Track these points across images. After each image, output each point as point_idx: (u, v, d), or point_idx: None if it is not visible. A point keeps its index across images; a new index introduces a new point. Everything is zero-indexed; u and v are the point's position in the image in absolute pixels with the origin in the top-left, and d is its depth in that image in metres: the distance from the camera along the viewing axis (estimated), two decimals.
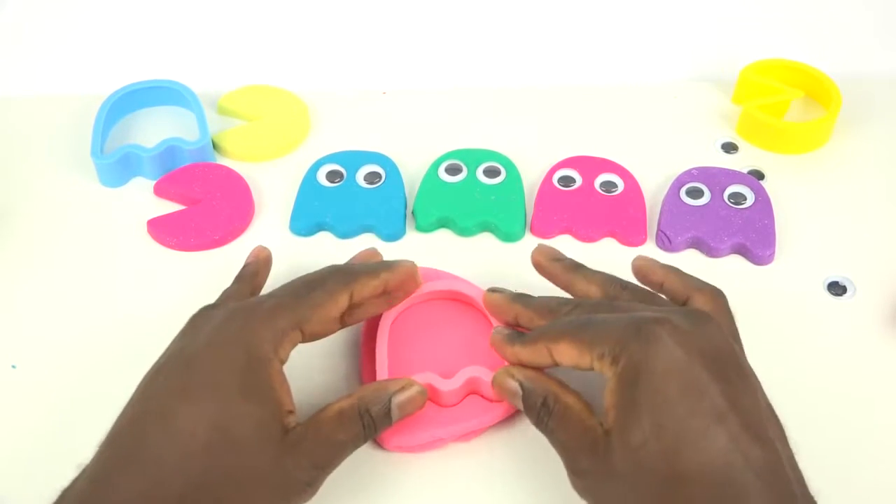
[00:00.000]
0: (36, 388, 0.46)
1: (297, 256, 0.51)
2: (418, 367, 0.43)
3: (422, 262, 0.48)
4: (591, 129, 0.60)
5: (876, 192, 0.56)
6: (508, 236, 0.53)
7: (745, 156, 0.58)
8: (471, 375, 0.42)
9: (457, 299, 0.47)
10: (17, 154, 0.58)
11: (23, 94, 0.63)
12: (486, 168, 0.55)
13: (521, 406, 0.40)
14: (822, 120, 0.58)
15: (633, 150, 0.57)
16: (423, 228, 0.53)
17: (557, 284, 0.45)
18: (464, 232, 0.53)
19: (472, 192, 0.54)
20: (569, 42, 0.67)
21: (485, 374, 0.42)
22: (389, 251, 0.52)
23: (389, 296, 0.45)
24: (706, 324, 0.38)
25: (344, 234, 0.53)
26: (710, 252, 0.52)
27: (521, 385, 0.40)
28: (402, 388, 0.41)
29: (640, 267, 0.44)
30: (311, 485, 0.38)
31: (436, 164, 0.56)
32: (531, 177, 0.56)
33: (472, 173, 0.55)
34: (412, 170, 0.56)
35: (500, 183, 0.55)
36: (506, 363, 0.42)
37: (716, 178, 0.55)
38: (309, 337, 0.41)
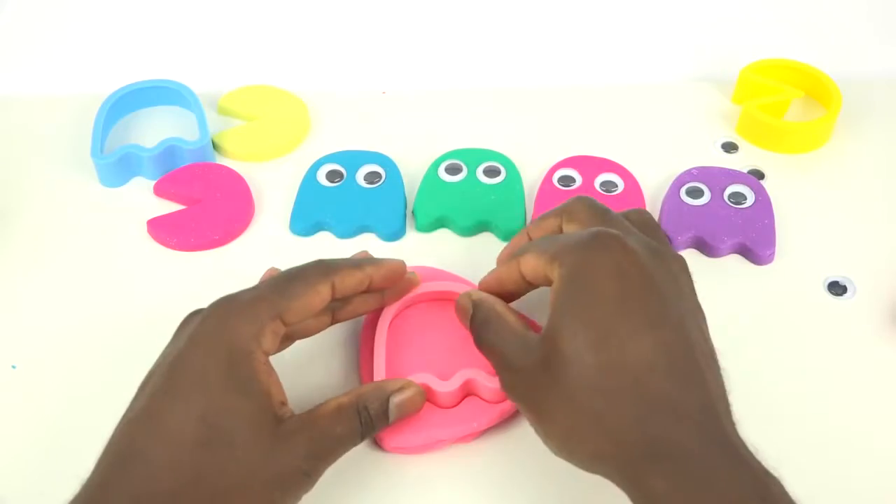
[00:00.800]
0: (36, 388, 0.46)
1: (297, 256, 0.51)
2: (416, 368, 0.43)
3: (422, 261, 0.48)
4: (591, 128, 0.60)
5: (876, 192, 0.56)
6: (508, 236, 0.53)
7: (745, 155, 0.58)
8: (468, 377, 0.42)
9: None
10: (17, 154, 0.58)
11: (23, 94, 0.63)
12: (486, 168, 0.55)
13: (468, 325, 0.42)
14: (822, 120, 0.58)
15: (633, 149, 0.57)
16: (423, 228, 0.53)
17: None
18: (464, 232, 0.53)
19: (472, 192, 0.54)
20: (569, 42, 0.67)
21: (481, 377, 0.42)
22: (389, 251, 0.52)
23: (381, 294, 0.45)
24: (664, 254, 0.39)
25: (344, 234, 0.53)
26: (710, 252, 0.52)
27: (471, 301, 0.42)
28: (401, 389, 0.41)
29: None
30: (309, 475, 0.38)
31: (436, 164, 0.56)
32: (531, 177, 0.56)
33: (472, 173, 0.55)
34: (412, 170, 0.56)
35: (500, 183, 0.55)
36: None
37: (716, 177, 0.55)
38: (297, 331, 0.41)
